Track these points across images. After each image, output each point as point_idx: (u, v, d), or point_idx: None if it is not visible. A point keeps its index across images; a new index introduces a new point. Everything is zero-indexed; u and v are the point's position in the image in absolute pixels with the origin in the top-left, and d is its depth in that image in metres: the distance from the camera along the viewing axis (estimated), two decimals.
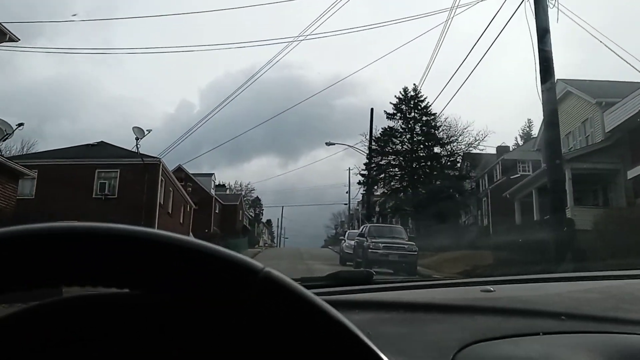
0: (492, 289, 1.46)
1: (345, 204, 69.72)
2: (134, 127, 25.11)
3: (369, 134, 38.54)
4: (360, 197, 73.52)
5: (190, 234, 37.40)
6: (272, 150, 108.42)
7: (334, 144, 37.47)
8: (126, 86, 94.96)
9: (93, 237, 0.47)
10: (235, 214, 60.21)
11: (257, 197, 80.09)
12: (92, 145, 27.66)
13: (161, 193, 26.27)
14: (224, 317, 0.49)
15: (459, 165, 45.37)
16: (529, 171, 39.31)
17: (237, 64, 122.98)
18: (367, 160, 45.97)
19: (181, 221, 31.18)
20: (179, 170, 56.26)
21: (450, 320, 1.15)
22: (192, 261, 0.47)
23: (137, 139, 25.18)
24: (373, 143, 45.63)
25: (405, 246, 19.64)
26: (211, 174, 58.20)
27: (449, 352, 0.91)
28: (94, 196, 24.95)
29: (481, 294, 1.42)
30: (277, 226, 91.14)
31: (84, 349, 0.52)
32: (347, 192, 68.23)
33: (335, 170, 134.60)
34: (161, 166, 25.45)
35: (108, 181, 25.17)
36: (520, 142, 52.94)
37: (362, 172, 46.56)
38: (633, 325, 1.09)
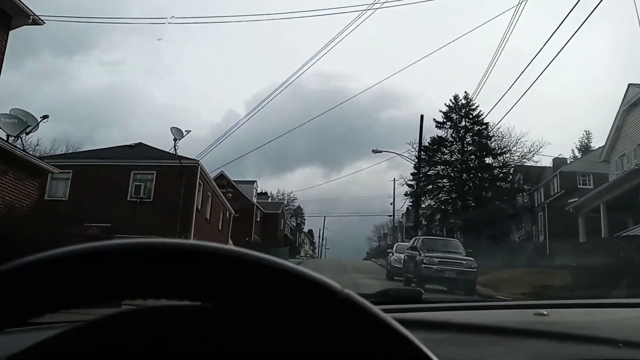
0: (545, 312, 1.43)
1: (390, 216, 67.24)
2: (172, 128, 23.72)
3: (418, 142, 36.36)
4: (404, 209, 72.04)
5: (230, 241, 35.91)
6: (315, 161, 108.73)
7: (381, 151, 35.36)
8: (175, 96, 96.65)
9: (196, 256, 0.48)
10: (276, 222, 58.72)
11: (299, 206, 78.46)
12: (130, 146, 26.40)
13: (199, 197, 24.74)
14: (303, 335, 0.50)
15: (511, 177, 42.74)
16: (589, 185, 36.58)
17: (283, 75, 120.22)
18: (415, 170, 43.89)
19: (220, 228, 29.61)
20: (221, 176, 55.36)
21: (504, 343, 1.13)
22: (277, 280, 0.49)
23: (175, 139, 23.75)
24: (421, 153, 43.59)
25: (464, 262, 17.52)
26: (253, 182, 56.89)
27: None
28: (128, 199, 23.57)
29: (535, 318, 1.39)
30: (319, 237, 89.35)
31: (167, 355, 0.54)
32: (391, 204, 66.09)
33: (379, 181, 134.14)
34: (199, 169, 23.88)
35: (144, 183, 23.75)
36: (578, 155, 49.79)
37: (409, 182, 44.42)
38: None
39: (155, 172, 23.87)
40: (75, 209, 20.56)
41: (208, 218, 26.53)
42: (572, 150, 51.98)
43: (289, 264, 0.49)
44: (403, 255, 22.35)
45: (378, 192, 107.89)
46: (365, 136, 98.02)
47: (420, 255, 18.26)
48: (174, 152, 23.94)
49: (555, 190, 37.31)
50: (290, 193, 74.33)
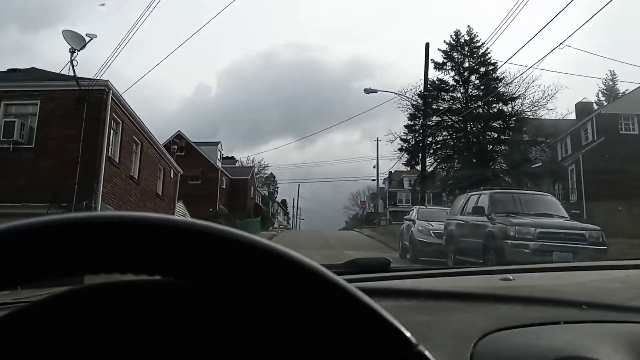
0: (511, 277, 1.40)
1: (373, 180, 58.64)
2: (64, 31, 14.51)
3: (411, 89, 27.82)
4: (387, 174, 63.82)
5: (180, 211, 26.83)
6: (289, 133, 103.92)
7: (375, 91, 26.36)
8: (146, 70, 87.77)
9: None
10: (245, 190, 49.61)
11: (272, 173, 69.31)
12: (13, 70, 17.00)
13: (114, 142, 15.58)
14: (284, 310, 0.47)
15: (526, 128, 34.26)
16: (635, 130, 28.48)
17: (255, 46, 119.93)
18: (410, 122, 35.22)
19: (159, 191, 20.41)
20: (178, 136, 46.06)
21: (470, 308, 1.13)
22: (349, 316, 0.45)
23: (72, 51, 14.52)
24: (416, 99, 34.90)
25: (585, 234, 9.02)
26: (217, 143, 47.63)
27: (470, 340, 0.90)
28: None
29: (501, 283, 1.38)
30: (293, 206, 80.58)
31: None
32: (373, 167, 57.83)
33: (353, 153, 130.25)
34: (111, 95, 14.55)
35: (20, 120, 14.46)
36: (603, 99, 41.55)
37: (403, 136, 35.56)
38: None
39: (39, 102, 14.58)
40: None
41: (134, 175, 17.33)
42: (597, 95, 43.18)
43: (363, 296, 0.45)
44: (433, 224, 14.17)
45: (353, 164, 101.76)
46: (340, 107, 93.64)
47: (493, 223, 9.71)
48: (73, 73, 14.71)
49: (590, 138, 29.03)
50: (262, 160, 65.13)
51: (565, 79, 64.60)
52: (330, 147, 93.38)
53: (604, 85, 43.22)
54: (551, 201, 11.24)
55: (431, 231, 14.16)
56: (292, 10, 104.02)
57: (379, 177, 58.43)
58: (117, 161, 15.59)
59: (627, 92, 33.67)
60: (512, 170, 32.32)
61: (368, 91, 26.24)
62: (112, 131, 15.13)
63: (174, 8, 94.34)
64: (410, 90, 34.10)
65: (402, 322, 0.42)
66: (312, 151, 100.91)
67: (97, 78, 14.29)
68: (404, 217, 17.34)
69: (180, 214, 33.05)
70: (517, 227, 9.00)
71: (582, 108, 33.39)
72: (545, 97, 32.91)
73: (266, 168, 66.14)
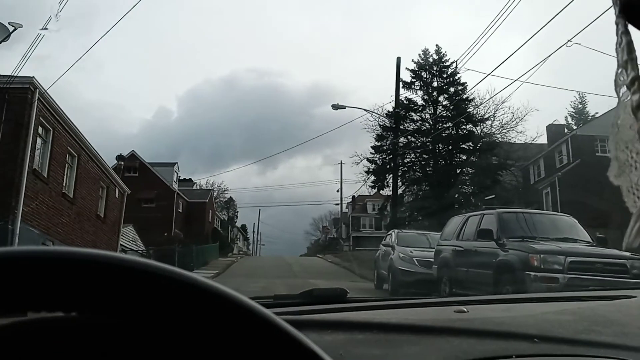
0: (465, 309, 1.41)
1: (337, 204, 56.61)
2: None
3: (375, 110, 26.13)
4: (350, 199, 61.91)
5: (124, 237, 24.17)
6: (250, 158, 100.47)
7: (344, 107, 24.39)
8: (105, 92, 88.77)
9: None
10: (203, 214, 46.85)
11: (231, 197, 66.55)
12: None
13: (42, 151, 13.06)
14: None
15: (496, 150, 32.81)
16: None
17: (217, 70, 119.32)
18: (377, 143, 33.43)
19: (101, 212, 17.81)
20: (132, 156, 43.28)
21: (424, 342, 1.13)
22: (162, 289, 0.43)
23: None
24: (385, 121, 33.23)
25: (627, 263, 7.12)
26: (173, 164, 44.92)
27: None
28: None
29: (455, 315, 1.37)
30: (253, 231, 77.76)
31: None
32: (337, 191, 55.96)
33: (314, 177, 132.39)
34: (37, 95, 12.09)
35: None
36: (572, 122, 40.58)
37: (371, 157, 33.65)
38: (605, 349, 1.08)
39: None
40: None
41: (68, 193, 14.76)
42: (566, 118, 42.11)
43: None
44: (413, 251, 12.22)
45: (314, 188, 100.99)
46: (301, 133, 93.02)
47: (505, 250, 7.74)
48: None
49: (565, 161, 27.74)
50: (221, 183, 62.38)
51: (537, 100, 64.34)
52: (291, 171, 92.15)
53: (573, 108, 42.52)
54: (573, 224, 9.24)
55: (414, 259, 12.15)
56: (254, 35, 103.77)
57: (342, 202, 56.29)
58: (45, 175, 13.09)
59: (597, 115, 32.80)
60: (483, 193, 30.76)
61: (336, 107, 24.32)
62: (39, 139, 12.66)
63: (135, 31, 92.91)
64: (379, 108, 32.44)
65: (353, 356, 0.39)
66: (274, 176, 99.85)
67: (19, 75, 11.84)
68: (382, 243, 15.20)
69: (130, 238, 30.27)
70: (541, 256, 7.05)
71: (554, 130, 32.27)
72: (515, 119, 31.72)
73: (226, 192, 63.51)
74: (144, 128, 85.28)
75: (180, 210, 44.19)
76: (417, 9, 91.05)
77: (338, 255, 42.03)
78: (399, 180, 33.92)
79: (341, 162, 54.15)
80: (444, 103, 33.69)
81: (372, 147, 33.63)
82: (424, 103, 33.75)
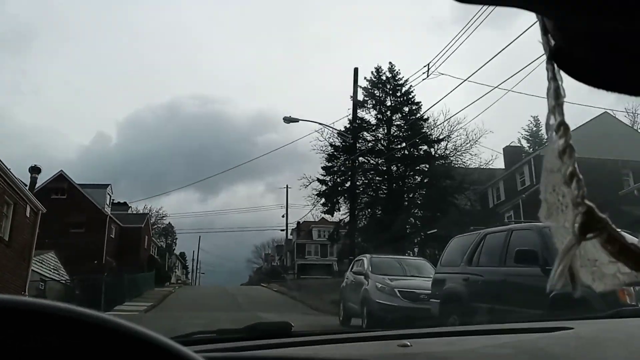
0: (409, 343, 1.40)
1: (282, 230, 53.92)
2: None
3: (352, 104, 23.94)
4: (295, 225, 59.33)
5: (42, 264, 20.80)
6: (192, 185, 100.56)
7: (296, 120, 22.06)
8: (41, 116, 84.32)
9: None
10: (139, 240, 43.17)
11: (170, 223, 62.66)
12: None
13: None
14: None
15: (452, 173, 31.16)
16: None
17: (158, 97, 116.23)
18: (328, 163, 31.19)
19: (4, 235, 14.57)
20: (60, 177, 39.51)
21: None
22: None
23: None
24: (336, 140, 31.11)
25: None
26: (106, 185, 41.27)
27: None
28: None
29: (398, 349, 1.37)
30: (192, 259, 73.75)
31: None
32: (282, 216, 53.41)
33: (256, 206, 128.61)
34: None
35: None
36: (526, 146, 39.50)
37: (321, 177, 31.31)
38: None
39: None
40: None
41: None
42: (519, 140, 41.07)
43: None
44: (392, 281, 9.81)
45: (256, 217, 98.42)
46: (244, 160, 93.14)
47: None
48: None
49: (528, 182, 26.24)
50: (160, 209, 58.59)
51: (491, 123, 63.77)
52: (233, 199, 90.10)
53: (527, 131, 41.71)
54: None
55: (396, 290, 9.74)
56: (197, 62, 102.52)
57: (288, 227, 53.67)
58: None
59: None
60: (440, 217, 28.88)
61: (288, 120, 21.99)
62: None
63: (74, 55, 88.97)
64: (333, 123, 30.44)
65: None
66: (215, 203, 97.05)
67: None
68: (352, 271, 12.57)
69: (52, 266, 26.64)
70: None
71: (511, 152, 30.97)
72: (469, 141, 30.26)
73: (164, 217, 59.70)
74: (81, 154, 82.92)
75: (112, 236, 40.50)
76: (364, 35, 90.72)
77: (283, 284, 39.37)
78: (345, 206, 31.85)
79: (287, 185, 51.76)
80: (397, 123, 32.01)
81: (323, 168, 31.41)
82: (377, 122, 31.98)
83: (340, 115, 57.37)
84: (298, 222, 58.29)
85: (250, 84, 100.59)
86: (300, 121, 21.87)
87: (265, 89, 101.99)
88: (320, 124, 24.16)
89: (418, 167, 30.28)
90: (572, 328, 1.63)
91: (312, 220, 56.23)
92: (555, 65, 0.44)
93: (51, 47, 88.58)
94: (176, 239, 67.11)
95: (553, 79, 0.45)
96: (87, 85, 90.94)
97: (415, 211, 30.59)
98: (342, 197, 30.52)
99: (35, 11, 79.20)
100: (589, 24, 0.39)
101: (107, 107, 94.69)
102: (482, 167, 30.55)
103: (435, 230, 27.60)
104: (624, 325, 1.80)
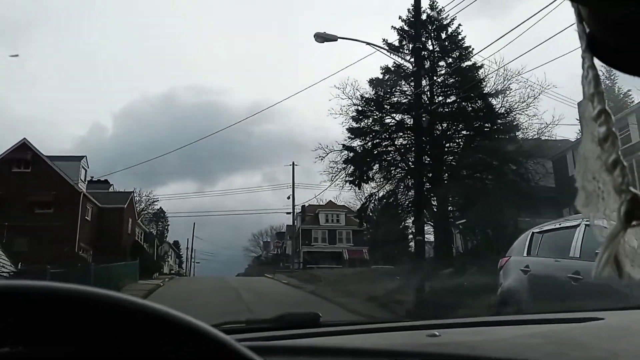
0: (437, 333, 1.38)
1: (288, 213, 46.94)
2: None
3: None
4: (300, 209, 52.25)
5: None
6: (189, 175, 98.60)
7: (337, 37, 14.68)
8: (36, 107, 78.60)
9: None
10: (120, 223, 35.79)
11: (161, 208, 55.38)
12: None
13: None
14: None
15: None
16: None
17: (154, 87, 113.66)
18: (355, 123, 23.86)
19: None
20: (23, 147, 32.13)
21: None
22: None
23: None
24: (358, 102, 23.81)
25: None
26: (80, 157, 33.88)
27: None
28: None
29: (427, 339, 1.35)
30: (187, 248, 66.57)
31: None
32: (288, 197, 46.70)
33: (253, 196, 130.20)
34: None
35: None
36: None
37: (347, 142, 23.98)
38: None
39: None
40: None
41: None
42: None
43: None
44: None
45: (253, 204, 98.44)
46: (240, 149, 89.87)
47: None
48: None
49: (635, 139, 19.07)
50: (150, 192, 51.34)
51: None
52: (230, 191, 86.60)
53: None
54: None
55: None
56: (193, 52, 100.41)
57: (294, 210, 46.68)
58: None
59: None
60: (503, 190, 21.69)
61: (321, 39, 14.69)
62: None
63: (70, 45, 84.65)
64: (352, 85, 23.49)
65: None
66: (212, 194, 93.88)
67: None
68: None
69: None
70: None
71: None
72: (527, 98, 22.96)
73: (155, 202, 52.45)
74: (77, 145, 79.72)
75: (88, 218, 33.20)
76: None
77: (291, 275, 32.28)
78: (382, 174, 24.67)
79: (293, 162, 44.80)
80: (442, 70, 24.82)
81: (348, 130, 24.11)
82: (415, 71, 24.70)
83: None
84: (303, 206, 51.38)
85: (246, 74, 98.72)
86: (338, 39, 14.55)
87: (262, 79, 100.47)
88: (368, 43, 16.61)
89: (476, 125, 23.04)
90: (602, 319, 1.59)
91: (318, 203, 49.71)
92: (592, 55, 0.44)
93: (46, 37, 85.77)
94: (168, 225, 59.90)
95: (591, 67, 0.44)
96: (82, 75, 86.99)
97: (470, 182, 23.35)
98: (378, 164, 23.38)
99: (30, 0, 74.83)
100: (624, 11, 0.38)
101: (103, 99, 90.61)
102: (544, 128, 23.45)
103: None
104: None
